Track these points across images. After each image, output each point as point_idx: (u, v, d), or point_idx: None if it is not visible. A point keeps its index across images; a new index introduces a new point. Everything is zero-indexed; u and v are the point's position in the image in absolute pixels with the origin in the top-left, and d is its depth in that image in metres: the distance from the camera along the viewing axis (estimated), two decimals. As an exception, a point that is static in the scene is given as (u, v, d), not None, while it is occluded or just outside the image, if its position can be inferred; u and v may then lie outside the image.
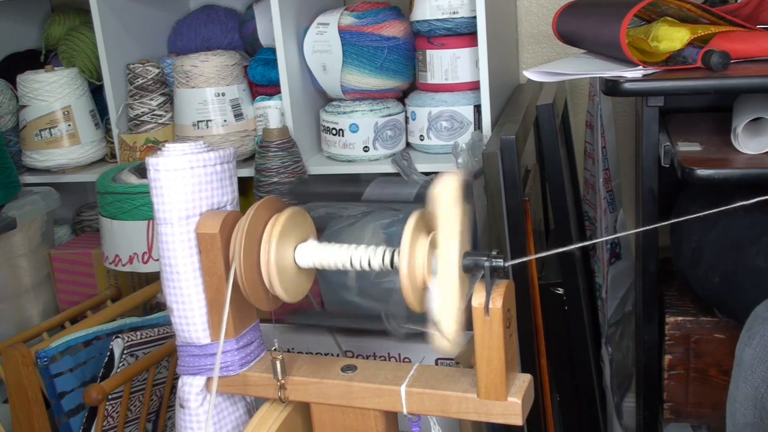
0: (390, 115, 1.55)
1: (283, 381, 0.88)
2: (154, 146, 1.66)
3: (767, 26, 1.21)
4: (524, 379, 0.82)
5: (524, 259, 0.85)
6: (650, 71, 1.14)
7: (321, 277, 1.31)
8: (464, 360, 1.22)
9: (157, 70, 1.69)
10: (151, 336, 1.39)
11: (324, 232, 1.35)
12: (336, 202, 1.41)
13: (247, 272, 0.85)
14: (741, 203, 0.74)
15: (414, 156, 1.53)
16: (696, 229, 1.25)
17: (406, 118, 1.58)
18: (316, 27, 1.56)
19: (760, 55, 1.14)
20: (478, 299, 0.78)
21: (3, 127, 1.81)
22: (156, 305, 1.64)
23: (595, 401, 1.51)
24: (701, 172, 1.09)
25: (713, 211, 0.73)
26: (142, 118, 1.68)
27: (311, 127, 1.63)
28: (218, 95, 1.61)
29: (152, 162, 0.87)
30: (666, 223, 0.80)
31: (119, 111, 1.71)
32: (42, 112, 1.75)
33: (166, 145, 0.89)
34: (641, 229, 0.96)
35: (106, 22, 1.67)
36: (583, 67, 1.22)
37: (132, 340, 1.35)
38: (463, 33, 1.48)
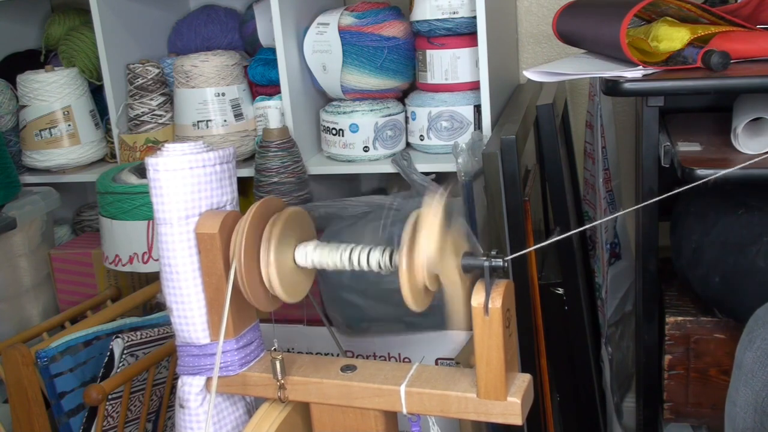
0: (390, 115, 1.55)
1: (282, 381, 0.88)
2: (154, 146, 1.66)
3: (767, 26, 1.21)
4: (524, 379, 0.82)
5: (522, 252, 0.85)
6: (650, 71, 1.14)
7: (321, 277, 1.31)
8: (464, 360, 1.22)
9: (157, 70, 1.69)
10: (151, 336, 1.39)
11: (324, 232, 1.36)
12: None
13: (246, 272, 0.85)
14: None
15: (414, 156, 1.53)
16: (696, 229, 1.25)
17: (406, 118, 1.58)
18: (316, 27, 1.56)
19: (760, 55, 1.14)
20: (477, 299, 0.78)
21: (3, 127, 1.81)
22: (156, 305, 1.64)
23: (595, 401, 1.51)
24: (701, 172, 1.09)
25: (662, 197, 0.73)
26: (142, 118, 1.68)
27: (311, 127, 1.63)
28: (218, 95, 1.61)
29: (152, 162, 0.87)
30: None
31: (119, 111, 1.71)
32: (42, 112, 1.75)
33: (166, 145, 0.89)
34: (639, 205, 0.96)
35: (106, 22, 1.67)
36: (583, 67, 1.22)
37: (132, 340, 1.35)
38: (463, 33, 1.48)
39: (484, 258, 0.78)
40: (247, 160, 1.66)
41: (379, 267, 0.86)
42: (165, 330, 1.42)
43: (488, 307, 0.77)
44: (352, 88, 1.55)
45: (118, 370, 1.33)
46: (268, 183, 1.48)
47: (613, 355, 1.65)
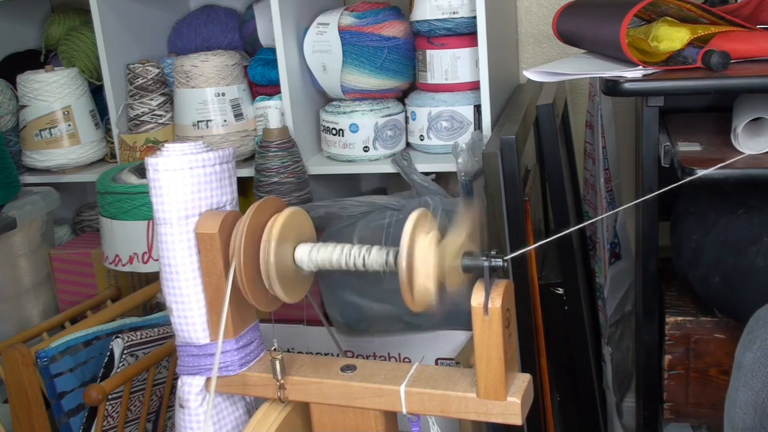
0: (390, 115, 1.55)
1: (282, 381, 0.88)
2: (154, 146, 1.66)
3: (767, 26, 1.21)
4: (524, 379, 0.82)
5: (522, 251, 0.85)
6: (650, 71, 1.14)
7: (321, 277, 1.31)
8: (464, 360, 1.22)
9: (157, 70, 1.69)
10: (151, 336, 1.39)
11: (324, 232, 1.36)
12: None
13: (246, 272, 0.85)
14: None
15: (414, 156, 1.53)
16: (696, 229, 1.25)
17: (406, 118, 1.58)
18: (316, 27, 1.56)
19: (760, 55, 1.14)
20: (477, 299, 0.78)
21: (3, 127, 1.81)
22: (156, 305, 1.64)
23: (595, 401, 1.51)
24: (701, 172, 1.09)
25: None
26: (142, 118, 1.68)
27: (311, 127, 1.63)
28: (218, 95, 1.61)
29: (152, 162, 0.87)
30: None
31: (119, 111, 1.71)
32: (42, 112, 1.75)
33: (166, 145, 0.89)
34: (639, 200, 0.96)
35: (106, 22, 1.67)
36: (583, 67, 1.22)
37: (132, 340, 1.35)
38: (463, 33, 1.48)
39: (484, 258, 0.78)
40: (247, 160, 1.66)
41: (379, 267, 0.86)
42: (165, 330, 1.42)
43: (488, 307, 0.77)
44: (352, 88, 1.55)
45: (118, 370, 1.33)
46: (268, 183, 1.48)
47: (613, 355, 1.65)
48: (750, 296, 1.16)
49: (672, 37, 1.16)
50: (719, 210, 1.22)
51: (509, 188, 1.23)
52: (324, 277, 1.31)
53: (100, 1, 1.64)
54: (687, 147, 1.19)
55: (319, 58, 1.55)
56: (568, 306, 1.42)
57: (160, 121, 1.69)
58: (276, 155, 1.48)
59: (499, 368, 0.79)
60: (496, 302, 0.77)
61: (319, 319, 1.17)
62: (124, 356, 1.34)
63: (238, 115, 1.63)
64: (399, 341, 1.36)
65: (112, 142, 1.77)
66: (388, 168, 1.53)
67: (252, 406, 0.99)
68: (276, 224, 0.86)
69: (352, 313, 1.33)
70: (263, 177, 1.49)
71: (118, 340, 1.34)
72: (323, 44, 1.54)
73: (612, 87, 1.13)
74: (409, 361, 1.28)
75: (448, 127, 1.51)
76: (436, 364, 1.34)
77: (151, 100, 1.68)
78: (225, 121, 1.61)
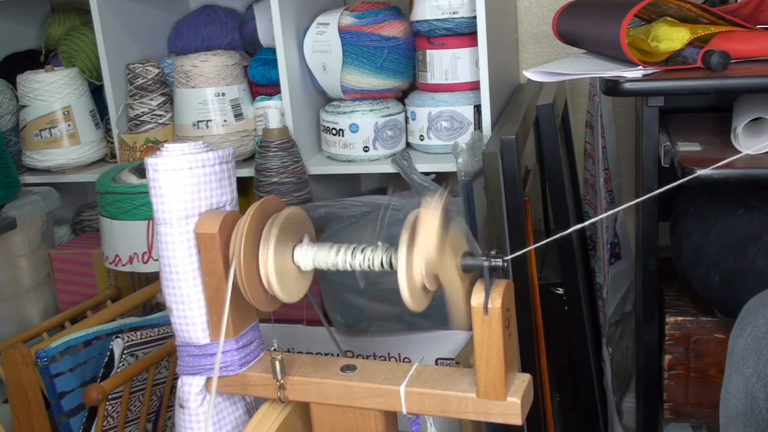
0: (390, 115, 1.55)
1: (282, 381, 0.88)
2: (154, 146, 1.66)
3: (767, 26, 1.21)
4: (523, 379, 0.82)
5: (522, 251, 0.85)
6: (650, 71, 1.14)
7: (321, 277, 1.31)
8: (464, 360, 1.22)
9: (157, 70, 1.69)
10: (151, 336, 1.39)
11: (324, 232, 1.36)
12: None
13: (246, 272, 0.85)
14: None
15: (414, 156, 1.53)
16: (696, 229, 1.25)
17: (406, 118, 1.58)
18: (316, 27, 1.56)
19: (760, 55, 1.14)
20: (477, 299, 0.78)
21: (3, 127, 1.81)
22: (156, 305, 1.64)
23: (595, 401, 1.51)
24: (701, 172, 1.09)
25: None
26: (142, 118, 1.68)
27: (311, 127, 1.63)
28: (218, 95, 1.61)
29: (151, 162, 0.87)
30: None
31: (119, 111, 1.71)
32: (42, 112, 1.75)
33: (166, 145, 0.89)
34: (638, 200, 0.96)
35: (106, 22, 1.67)
36: (583, 67, 1.22)
37: (132, 340, 1.35)
38: (463, 33, 1.48)
39: (484, 258, 0.78)
40: (247, 160, 1.66)
41: (379, 267, 0.86)
42: (165, 330, 1.42)
43: (488, 307, 0.77)
44: (352, 88, 1.55)
45: (118, 370, 1.33)
46: (268, 183, 1.48)
47: (613, 355, 1.65)
48: (750, 296, 1.15)
49: (672, 37, 1.16)
50: (719, 210, 1.22)
51: (509, 188, 1.23)
52: (324, 277, 1.31)
53: (100, 1, 1.64)
54: (687, 147, 1.19)
55: (319, 58, 1.55)
56: (568, 306, 1.42)
57: (160, 121, 1.69)
58: (276, 155, 1.48)
59: (499, 368, 0.79)
60: (496, 302, 0.77)
61: (319, 319, 1.17)
62: (124, 356, 1.34)
63: (238, 115, 1.63)
64: (399, 341, 1.36)
65: (112, 142, 1.77)
66: (388, 168, 1.53)
67: (252, 406, 0.99)
68: (276, 224, 0.86)
69: (352, 313, 1.33)
70: (263, 177, 1.49)
71: (118, 340, 1.34)
72: (323, 44, 1.54)
73: (612, 87, 1.13)
74: (409, 361, 1.28)
75: (448, 127, 1.51)
76: (436, 364, 1.34)
77: (151, 100, 1.68)
78: (225, 121, 1.61)
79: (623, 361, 1.75)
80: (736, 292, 1.19)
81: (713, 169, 1.08)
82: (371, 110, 1.53)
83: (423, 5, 1.48)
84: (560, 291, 1.43)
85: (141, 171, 1.54)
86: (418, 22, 1.50)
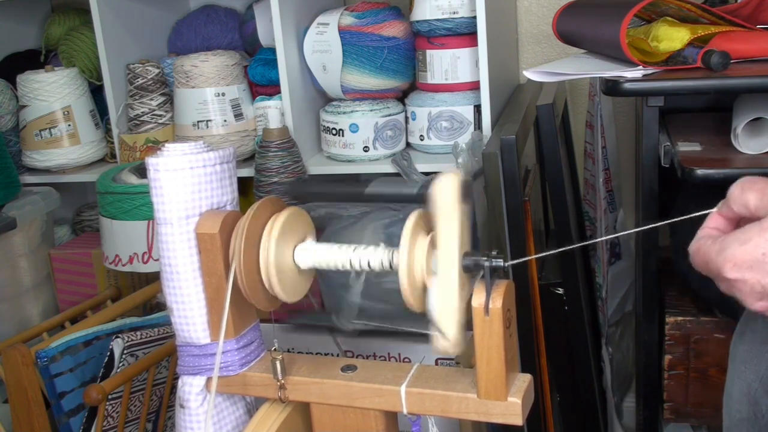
0: (390, 115, 1.55)
1: (283, 381, 0.88)
2: (154, 146, 1.66)
3: (767, 26, 1.21)
4: (524, 379, 0.82)
5: (524, 259, 0.85)
6: (650, 71, 1.14)
7: (321, 277, 1.31)
8: (464, 360, 1.22)
9: (157, 70, 1.69)
10: (151, 336, 1.39)
11: (324, 232, 1.35)
12: (338, 201, 1.41)
13: (246, 272, 0.85)
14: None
15: (414, 156, 1.53)
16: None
17: (406, 118, 1.58)
18: (316, 27, 1.56)
19: (760, 55, 1.14)
20: (478, 299, 0.78)
21: (3, 127, 1.81)
22: (156, 305, 1.64)
23: (595, 401, 1.51)
24: (701, 172, 1.09)
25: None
26: (142, 118, 1.68)
27: (311, 127, 1.63)
28: (218, 95, 1.61)
29: (152, 162, 0.87)
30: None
31: (119, 111, 1.71)
32: (42, 112, 1.75)
33: (166, 145, 0.89)
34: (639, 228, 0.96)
35: (106, 22, 1.67)
36: (583, 67, 1.22)
37: (132, 340, 1.35)
38: (463, 33, 1.48)
39: (485, 258, 0.78)
40: (247, 160, 1.66)
41: (379, 267, 0.86)
42: (165, 330, 1.42)
43: (489, 307, 0.77)
44: (352, 88, 1.55)
45: (118, 370, 1.33)
46: (268, 183, 1.48)
47: (613, 355, 1.65)
48: (750, 296, 1.15)
49: (672, 37, 1.16)
50: (719, 210, 1.22)
51: (509, 188, 1.23)
52: (324, 277, 1.31)
53: (100, 1, 1.64)
54: (687, 147, 1.19)
55: (319, 58, 1.55)
56: (568, 306, 1.42)
57: (160, 121, 1.69)
58: (276, 155, 1.48)
59: (499, 368, 0.79)
60: (496, 302, 0.77)
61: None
62: (124, 356, 1.34)
63: (238, 115, 1.63)
64: (399, 341, 1.36)
65: (112, 142, 1.77)
66: (388, 168, 1.53)
67: (252, 407, 0.99)
68: (276, 224, 0.86)
69: (351, 313, 1.33)
70: (263, 177, 1.49)
71: (118, 340, 1.34)
72: (323, 44, 1.54)
73: (612, 87, 1.13)
74: (410, 361, 1.28)
75: (448, 127, 1.51)
76: (437, 364, 1.34)
77: (151, 100, 1.68)
78: (225, 121, 1.61)
79: (623, 361, 1.75)
80: (736, 292, 1.19)
81: (710, 168, 1.08)
82: (371, 110, 1.53)
83: (423, 5, 1.48)
84: (560, 291, 1.43)
85: (141, 171, 1.54)
86: (418, 22, 1.50)
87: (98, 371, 1.35)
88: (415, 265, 0.80)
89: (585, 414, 1.51)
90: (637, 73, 1.13)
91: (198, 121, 1.61)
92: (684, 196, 1.33)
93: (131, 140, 1.68)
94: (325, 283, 1.32)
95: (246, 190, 1.66)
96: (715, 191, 1.20)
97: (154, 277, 1.63)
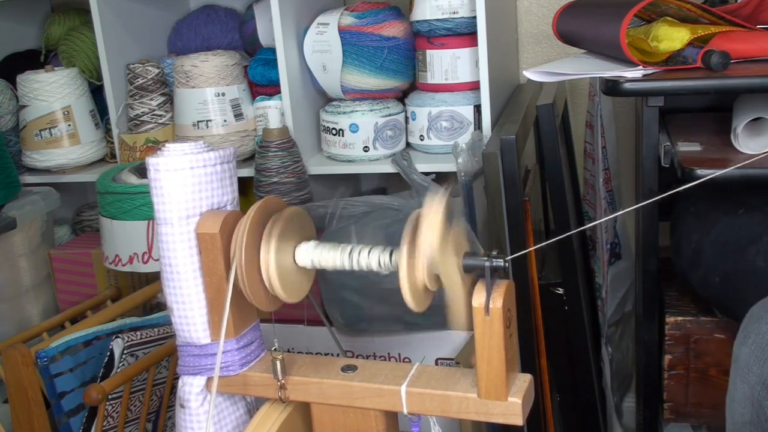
0: (390, 115, 1.55)
1: (283, 381, 0.88)
2: (154, 146, 1.66)
3: (767, 26, 1.21)
4: (524, 379, 0.82)
5: (523, 252, 0.85)
6: (650, 71, 1.14)
7: (321, 277, 1.31)
8: (464, 360, 1.22)
9: (157, 70, 1.69)
10: (151, 336, 1.39)
11: (324, 232, 1.35)
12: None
13: (247, 272, 0.85)
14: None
15: (414, 156, 1.53)
16: (696, 229, 1.25)
17: (406, 118, 1.58)
18: (316, 27, 1.56)
19: (760, 55, 1.14)
20: (478, 299, 0.78)
21: (3, 127, 1.81)
22: (156, 305, 1.64)
23: (595, 401, 1.51)
24: (701, 172, 1.09)
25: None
26: (142, 118, 1.68)
27: (311, 127, 1.63)
28: (218, 95, 1.61)
29: (152, 162, 0.87)
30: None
31: (119, 111, 1.71)
32: (42, 112, 1.75)
33: (166, 145, 0.89)
34: (637, 205, 0.96)
35: (106, 22, 1.67)
36: (583, 67, 1.22)
37: (132, 340, 1.35)
38: (463, 33, 1.48)
39: (485, 258, 0.78)
40: (247, 160, 1.66)
41: (379, 267, 0.86)
42: (165, 330, 1.42)
43: (489, 307, 0.77)
44: (352, 88, 1.55)
45: (118, 370, 1.33)
46: (268, 183, 1.48)
47: (613, 355, 1.65)
48: (750, 296, 1.15)
49: (672, 37, 1.16)
50: (719, 210, 1.22)
51: (509, 188, 1.23)
52: (324, 277, 1.31)
53: (100, 1, 1.64)
54: (687, 147, 1.19)
55: (319, 58, 1.55)
56: (568, 306, 1.42)
57: (160, 121, 1.69)
58: (276, 155, 1.48)
59: (500, 368, 0.79)
60: (497, 302, 0.77)
61: (320, 319, 1.17)
62: (124, 356, 1.34)
63: (238, 115, 1.63)
64: (399, 341, 1.36)
65: (112, 142, 1.77)
66: (388, 168, 1.53)
67: (252, 406, 0.99)
68: (276, 224, 0.86)
69: (352, 313, 1.33)
70: (263, 177, 1.49)
71: (118, 340, 1.34)
72: (323, 44, 1.54)
73: (612, 87, 1.13)
74: (410, 361, 1.28)
75: (448, 127, 1.51)
76: (437, 364, 1.34)
77: (151, 100, 1.68)
78: (225, 121, 1.61)
79: (623, 361, 1.75)
80: (736, 292, 1.19)
81: (710, 168, 1.08)
82: (371, 110, 1.53)
83: (423, 5, 1.48)
84: (560, 291, 1.43)
85: (141, 171, 1.54)
86: (418, 22, 1.50)
87: (98, 371, 1.35)
88: (415, 265, 0.80)
89: (585, 414, 1.51)
90: (637, 73, 1.13)
91: (198, 121, 1.61)
92: (684, 196, 1.33)
93: (131, 140, 1.68)
94: (325, 283, 1.33)
95: (246, 190, 1.66)
96: (715, 191, 1.21)
97: (154, 277, 1.63)
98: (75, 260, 1.74)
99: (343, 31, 1.52)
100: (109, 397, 1.30)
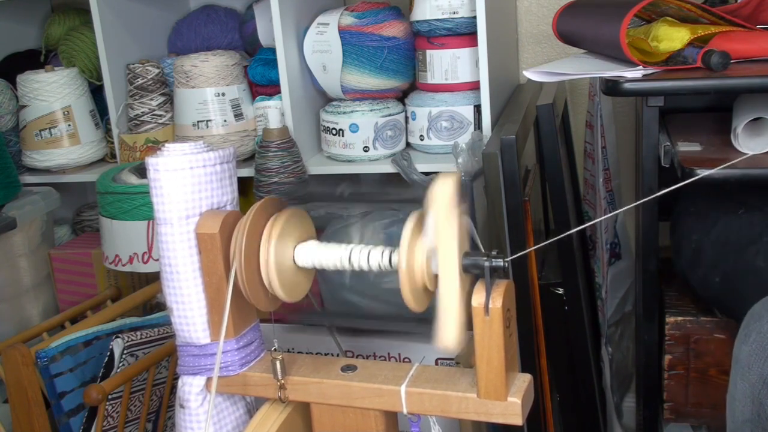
0: (390, 115, 1.55)
1: (283, 381, 0.88)
2: (154, 146, 1.66)
3: (767, 26, 1.21)
4: (524, 379, 0.82)
5: (523, 252, 0.85)
6: (650, 71, 1.14)
7: (321, 277, 1.31)
8: (464, 360, 1.22)
9: (157, 70, 1.69)
10: (151, 336, 1.39)
11: (324, 232, 1.35)
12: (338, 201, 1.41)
13: (247, 272, 0.85)
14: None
15: (414, 156, 1.53)
16: (696, 229, 1.25)
17: (406, 118, 1.58)
18: (316, 27, 1.56)
19: (760, 55, 1.14)
20: (477, 299, 0.78)
21: (3, 127, 1.81)
22: (156, 305, 1.64)
23: (595, 401, 1.51)
24: (701, 172, 1.09)
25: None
26: (142, 118, 1.68)
27: (311, 127, 1.63)
28: (218, 95, 1.61)
29: (152, 162, 0.87)
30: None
31: (119, 111, 1.71)
32: (42, 112, 1.75)
33: (166, 145, 0.89)
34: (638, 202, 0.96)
35: (106, 22, 1.67)
36: (583, 67, 1.22)
37: (132, 340, 1.35)
38: (463, 33, 1.48)
39: (485, 258, 0.78)
40: (247, 160, 1.66)
41: (379, 267, 0.86)
42: (165, 330, 1.42)
43: (488, 307, 0.77)
44: (352, 88, 1.55)
45: (118, 370, 1.33)
46: (268, 183, 1.48)
47: (613, 355, 1.65)
48: (750, 296, 1.15)
49: (672, 37, 1.16)
50: (719, 210, 1.22)
51: (509, 188, 1.23)
52: (324, 277, 1.31)
53: (100, 1, 1.64)
54: (687, 147, 1.19)
55: (319, 58, 1.55)
56: (568, 306, 1.42)
57: (160, 121, 1.69)
58: (276, 155, 1.48)
59: (499, 368, 0.79)
60: (496, 302, 0.77)
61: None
62: (124, 356, 1.34)
63: (238, 115, 1.63)
64: (399, 341, 1.36)
65: (112, 142, 1.77)
66: (388, 168, 1.53)
67: (252, 406, 0.99)
68: (276, 224, 0.86)
69: (353, 314, 1.33)
70: (263, 177, 1.49)
71: (118, 340, 1.34)
72: (323, 44, 1.54)
73: (612, 87, 1.13)
74: (409, 361, 1.28)
75: (448, 127, 1.51)
76: (436, 364, 1.34)
77: (151, 100, 1.68)
78: (225, 121, 1.61)
79: (623, 361, 1.75)
80: (736, 292, 1.19)
81: (713, 169, 1.08)
82: (371, 110, 1.53)
83: (423, 5, 1.48)
84: (560, 291, 1.43)
85: (141, 171, 1.54)
86: (418, 22, 1.50)
87: (98, 371, 1.35)
88: (415, 265, 0.80)
89: (585, 414, 1.51)
90: (637, 73, 1.13)
91: (198, 121, 1.61)
92: (684, 196, 1.33)
93: (131, 140, 1.68)
94: (325, 282, 1.32)
95: (246, 190, 1.66)
96: (715, 191, 1.21)
97: (154, 277, 1.63)
98: (75, 260, 1.74)
99: (343, 31, 1.52)
100: (109, 397, 1.30)
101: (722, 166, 1.00)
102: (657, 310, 1.29)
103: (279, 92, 1.56)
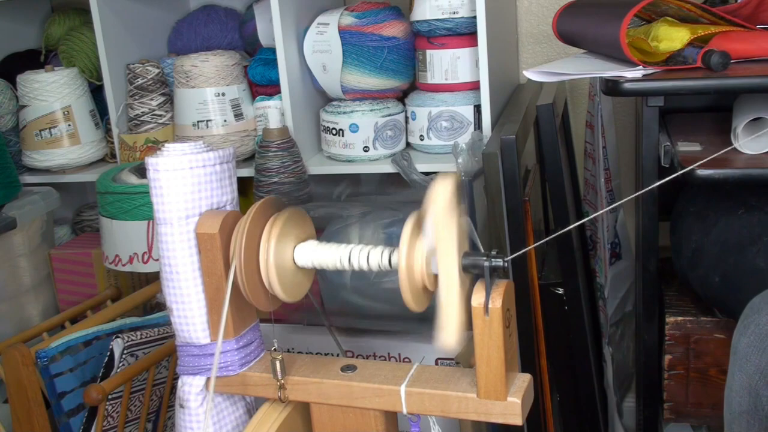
0: (390, 115, 1.55)
1: (282, 381, 0.88)
2: (154, 146, 1.66)
3: (767, 26, 1.21)
4: (524, 379, 0.82)
5: (522, 251, 0.85)
6: (650, 71, 1.14)
7: (321, 277, 1.31)
8: (464, 360, 1.22)
9: (157, 70, 1.69)
10: (151, 336, 1.39)
11: (324, 232, 1.35)
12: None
13: (246, 272, 0.85)
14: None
15: (414, 156, 1.53)
16: (696, 229, 1.25)
17: (406, 118, 1.58)
18: (316, 27, 1.56)
19: (760, 55, 1.14)
20: (477, 299, 0.78)
21: (3, 127, 1.81)
22: (156, 305, 1.64)
23: (595, 401, 1.51)
24: (701, 172, 1.09)
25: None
26: (142, 118, 1.68)
27: (311, 127, 1.63)
28: (218, 95, 1.61)
29: (152, 162, 0.87)
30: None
31: (119, 111, 1.71)
32: (42, 112, 1.75)
33: (166, 145, 0.89)
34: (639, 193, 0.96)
35: (106, 22, 1.67)
36: (583, 67, 1.22)
37: (132, 340, 1.35)
38: (463, 33, 1.48)
39: (485, 258, 0.78)
40: (247, 160, 1.66)
41: (379, 267, 0.86)
42: (165, 330, 1.42)
43: (488, 307, 0.77)
44: (352, 88, 1.55)
45: (118, 370, 1.33)
46: (268, 183, 1.48)
47: (613, 355, 1.65)
48: (750, 296, 1.15)
49: (672, 37, 1.16)
50: (719, 210, 1.22)
51: (509, 188, 1.23)
52: (324, 277, 1.31)
53: (100, 1, 1.64)
54: (687, 147, 1.19)
55: (319, 58, 1.55)
56: (568, 306, 1.42)
57: (160, 121, 1.69)
58: (276, 155, 1.48)
59: (499, 368, 0.79)
60: (496, 302, 0.77)
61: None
62: (124, 356, 1.34)
63: (238, 115, 1.63)
64: (399, 341, 1.36)
65: (112, 142, 1.77)
66: (388, 168, 1.53)
67: (252, 406, 0.99)
68: (276, 224, 0.86)
69: (351, 313, 1.33)
70: (263, 177, 1.49)
71: (118, 340, 1.34)
72: (323, 44, 1.54)
73: (612, 87, 1.13)
74: (409, 361, 1.28)
75: (448, 127, 1.51)
76: (436, 364, 1.34)
77: (151, 100, 1.68)
78: (225, 121, 1.61)
79: (623, 361, 1.75)
80: (736, 292, 1.19)
81: (710, 168, 1.08)
82: (371, 110, 1.53)
83: (423, 5, 1.48)
84: (560, 291, 1.43)
85: (141, 171, 1.54)
86: (418, 22, 1.50)
87: (98, 371, 1.35)
88: (415, 265, 0.80)
89: (585, 414, 1.51)
90: (637, 73, 1.13)
91: (198, 121, 1.61)
92: (684, 196, 1.33)
93: (131, 140, 1.68)
94: (325, 282, 1.32)
95: (246, 190, 1.66)
96: (715, 191, 1.21)
97: (154, 277, 1.63)
98: (75, 260, 1.74)
99: (343, 31, 1.52)
100: (109, 397, 1.30)
101: (708, 159, 1.00)
102: (657, 310, 1.29)
103: (279, 92, 1.56)
